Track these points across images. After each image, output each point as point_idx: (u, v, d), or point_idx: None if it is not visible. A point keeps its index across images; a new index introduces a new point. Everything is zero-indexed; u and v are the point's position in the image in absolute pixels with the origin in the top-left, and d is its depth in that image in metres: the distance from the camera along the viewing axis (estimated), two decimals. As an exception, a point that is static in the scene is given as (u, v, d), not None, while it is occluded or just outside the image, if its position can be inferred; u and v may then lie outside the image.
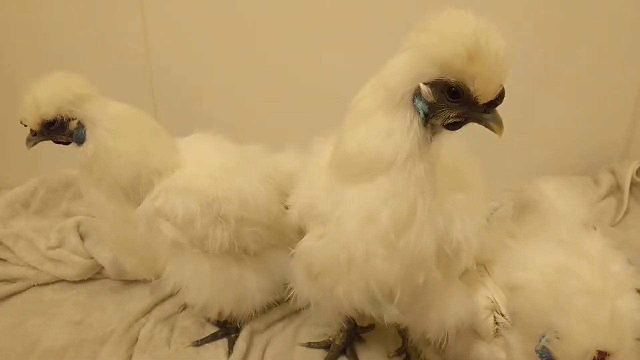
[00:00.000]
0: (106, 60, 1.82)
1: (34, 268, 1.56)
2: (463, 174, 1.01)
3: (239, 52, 1.81)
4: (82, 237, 1.60)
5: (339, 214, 0.90)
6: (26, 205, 1.72)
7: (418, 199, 0.85)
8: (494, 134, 0.82)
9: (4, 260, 1.59)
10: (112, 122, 1.15)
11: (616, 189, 1.86)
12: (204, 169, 1.20)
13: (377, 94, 0.86)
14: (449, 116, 0.82)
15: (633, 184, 1.83)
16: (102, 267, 1.56)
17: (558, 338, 0.93)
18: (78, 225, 1.62)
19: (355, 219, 0.87)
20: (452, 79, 0.79)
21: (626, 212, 1.79)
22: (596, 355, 0.90)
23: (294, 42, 1.78)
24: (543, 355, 0.97)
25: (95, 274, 1.58)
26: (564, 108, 1.88)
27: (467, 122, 0.84)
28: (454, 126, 0.85)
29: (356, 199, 0.88)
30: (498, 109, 0.82)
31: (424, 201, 0.86)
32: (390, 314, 1.00)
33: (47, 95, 1.11)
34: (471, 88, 0.79)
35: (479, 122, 0.82)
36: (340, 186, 0.91)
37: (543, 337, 0.97)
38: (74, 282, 1.56)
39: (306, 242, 0.99)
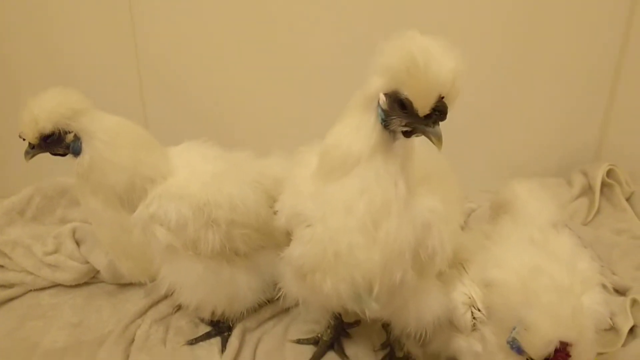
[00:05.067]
0: (97, 69, 1.85)
1: (31, 273, 1.59)
2: (440, 182, 1.08)
3: (228, 62, 1.85)
4: (77, 243, 1.64)
5: (324, 211, 0.98)
6: (22, 213, 1.74)
7: (390, 191, 0.94)
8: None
9: (2, 266, 1.62)
10: (106, 134, 1.20)
11: (588, 189, 1.91)
12: (195, 176, 1.25)
13: (357, 99, 0.97)
14: (399, 124, 0.91)
15: (604, 184, 1.88)
16: (98, 272, 1.60)
17: (526, 330, 1.01)
18: (74, 232, 1.65)
19: (338, 212, 0.96)
20: (404, 93, 0.87)
21: (597, 212, 1.85)
22: (558, 345, 0.97)
23: (282, 53, 1.82)
24: (513, 346, 1.04)
25: (91, 278, 1.62)
26: (539, 113, 1.93)
27: (417, 132, 0.92)
28: (406, 134, 0.93)
29: (337, 193, 0.97)
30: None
31: (397, 194, 0.94)
32: (371, 309, 1.06)
33: (44, 110, 1.16)
34: (413, 102, 0.87)
35: (423, 133, 0.90)
36: (324, 186, 1.00)
37: (514, 329, 1.05)
38: (71, 286, 1.60)
39: (297, 249, 1.06)
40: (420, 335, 1.19)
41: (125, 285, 1.60)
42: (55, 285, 1.61)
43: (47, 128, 1.17)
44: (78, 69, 1.85)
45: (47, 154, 1.24)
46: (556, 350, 0.97)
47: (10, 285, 1.60)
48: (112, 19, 1.80)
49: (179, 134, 1.38)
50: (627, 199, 1.88)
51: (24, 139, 1.20)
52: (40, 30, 1.81)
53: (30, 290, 1.60)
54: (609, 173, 1.91)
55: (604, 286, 1.18)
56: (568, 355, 0.97)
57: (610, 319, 1.27)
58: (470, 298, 1.17)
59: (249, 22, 1.79)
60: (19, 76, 1.86)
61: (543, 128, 1.97)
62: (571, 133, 1.99)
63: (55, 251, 1.61)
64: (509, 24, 1.79)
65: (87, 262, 1.60)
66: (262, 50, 1.82)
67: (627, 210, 1.84)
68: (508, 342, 1.06)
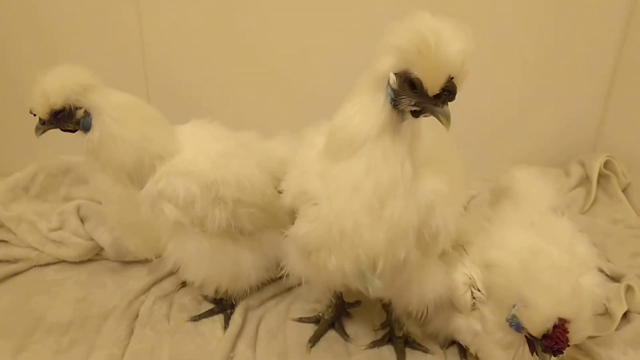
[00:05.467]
0: (100, 50, 1.84)
1: (36, 249, 1.60)
2: (446, 164, 1.09)
3: (232, 42, 1.85)
4: (82, 220, 1.65)
5: (330, 190, 1.00)
6: (26, 189, 1.75)
7: (397, 172, 0.96)
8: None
9: (6, 242, 1.63)
10: (116, 110, 1.21)
11: (585, 180, 1.95)
12: (203, 154, 1.27)
13: (366, 79, 0.98)
14: (408, 103, 0.93)
15: (601, 175, 1.92)
16: (102, 249, 1.62)
17: (525, 307, 1.04)
18: (78, 209, 1.66)
19: (344, 191, 0.98)
20: (414, 72, 0.89)
21: (594, 201, 1.89)
22: (557, 322, 1.00)
23: (287, 33, 1.83)
24: (512, 323, 1.08)
25: (95, 255, 1.64)
26: (539, 106, 1.96)
27: (426, 112, 0.93)
28: (415, 114, 0.95)
29: (344, 172, 0.98)
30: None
31: (403, 175, 0.96)
32: (375, 287, 1.09)
33: (55, 86, 1.17)
34: (423, 81, 0.89)
35: (432, 113, 0.91)
36: (331, 165, 1.01)
37: (514, 307, 1.08)
38: (75, 262, 1.61)
39: (302, 227, 1.07)
40: (421, 314, 1.22)
41: (129, 263, 1.62)
42: (59, 262, 1.62)
43: (58, 104, 1.18)
44: (81, 54, 1.84)
45: (56, 131, 1.24)
46: (555, 327, 1.00)
47: (15, 261, 1.61)
48: (117, 6, 1.81)
49: (182, 116, 1.39)
50: (623, 190, 1.91)
51: (34, 115, 1.21)
52: (42, 12, 1.81)
53: (35, 266, 1.61)
54: (606, 164, 1.93)
55: (601, 270, 1.22)
56: (566, 331, 1.00)
57: (605, 303, 1.31)
58: (470, 279, 1.20)
59: (254, 6, 1.80)
60: (21, 58, 1.85)
61: (543, 120, 1.99)
62: (570, 126, 2.02)
63: (60, 227, 1.62)
64: (508, 19, 1.81)
65: (92, 239, 1.62)
66: (266, 31, 1.83)
67: (622, 201, 1.87)
68: (507, 320, 1.09)
